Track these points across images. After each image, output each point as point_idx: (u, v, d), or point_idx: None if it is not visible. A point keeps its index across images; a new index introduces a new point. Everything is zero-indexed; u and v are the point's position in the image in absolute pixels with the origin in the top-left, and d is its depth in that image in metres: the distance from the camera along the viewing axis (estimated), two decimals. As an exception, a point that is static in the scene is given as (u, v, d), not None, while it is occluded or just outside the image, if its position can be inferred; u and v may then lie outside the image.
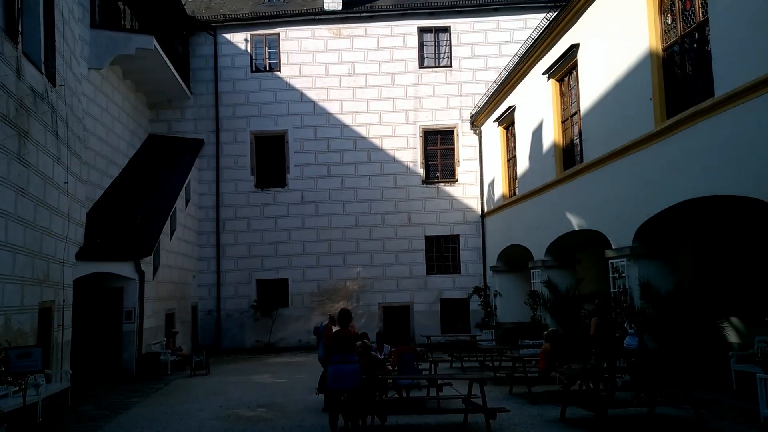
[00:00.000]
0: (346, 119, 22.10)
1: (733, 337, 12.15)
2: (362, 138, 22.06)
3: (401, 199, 21.86)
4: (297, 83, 22.26)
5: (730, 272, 12.22)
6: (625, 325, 10.03)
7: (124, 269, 14.46)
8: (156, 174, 18.96)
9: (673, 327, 11.20)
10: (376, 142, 22.05)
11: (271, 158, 22.16)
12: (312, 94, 22.20)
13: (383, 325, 20.85)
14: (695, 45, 10.46)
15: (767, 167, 8.43)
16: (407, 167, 22.02)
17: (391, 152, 22.03)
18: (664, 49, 11.18)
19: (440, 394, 9.54)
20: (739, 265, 11.98)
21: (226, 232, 21.68)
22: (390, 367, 9.76)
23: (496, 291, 20.34)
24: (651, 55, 11.28)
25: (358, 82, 22.24)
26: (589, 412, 8.23)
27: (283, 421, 8.89)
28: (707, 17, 9.79)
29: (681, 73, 10.92)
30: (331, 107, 22.14)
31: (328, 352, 8.01)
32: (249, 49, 22.38)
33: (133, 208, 16.61)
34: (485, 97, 20.54)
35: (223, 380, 13.51)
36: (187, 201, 20.07)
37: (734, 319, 12.10)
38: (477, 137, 22.24)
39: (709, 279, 11.91)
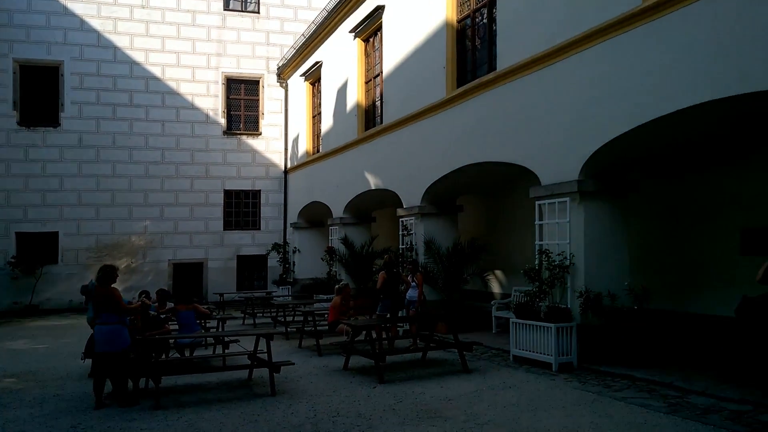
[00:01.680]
0: (138, 56, 19.90)
1: (496, 288, 13.71)
2: (156, 79, 20.09)
3: (199, 149, 20.55)
4: (77, 8, 19.34)
5: (499, 230, 13.67)
6: (409, 278, 10.66)
7: None
8: None
9: (451, 279, 12.28)
10: (173, 85, 20.29)
11: (40, 92, 19.06)
12: (96, 24, 19.51)
13: (173, 283, 19.64)
14: (484, 20, 11.21)
15: (535, 139, 9.44)
16: (207, 116, 20.70)
17: (189, 98, 20.47)
18: (458, 21, 11.82)
19: (226, 351, 9.22)
20: (507, 224, 13.43)
21: (-21, 175, 18.32)
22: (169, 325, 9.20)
23: (295, 247, 20.37)
24: (447, 25, 11.85)
25: (152, 16, 20.09)
26: (370, 360, 8.60)
27: (37, 391, 7.81)
28: (495, -6, 10.51)
29: (471, 45, 11.67)
30: (120, 41, 19.73)
31: (95, 312, 7.23)
32: (16, -40, 18.80)
33: None
34: (293, 49, 20.02)
35: (-35, 348, 11.51)
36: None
37: (498, 272, 13.64)
38: (283, 90, 21.71)
39: (482, 237, 13.18)
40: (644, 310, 8.21)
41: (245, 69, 21.22)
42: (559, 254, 8.73)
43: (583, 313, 8.37)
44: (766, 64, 6.11)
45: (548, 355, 8.40)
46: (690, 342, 8.97)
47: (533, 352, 8.70)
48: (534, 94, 9.47)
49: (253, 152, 21.30)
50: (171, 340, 8.76)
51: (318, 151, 19.05)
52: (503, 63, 10.19)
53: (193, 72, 20.53)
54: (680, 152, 9.19)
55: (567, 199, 8.73)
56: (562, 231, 8.82)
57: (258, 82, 21.53)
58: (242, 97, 21.46)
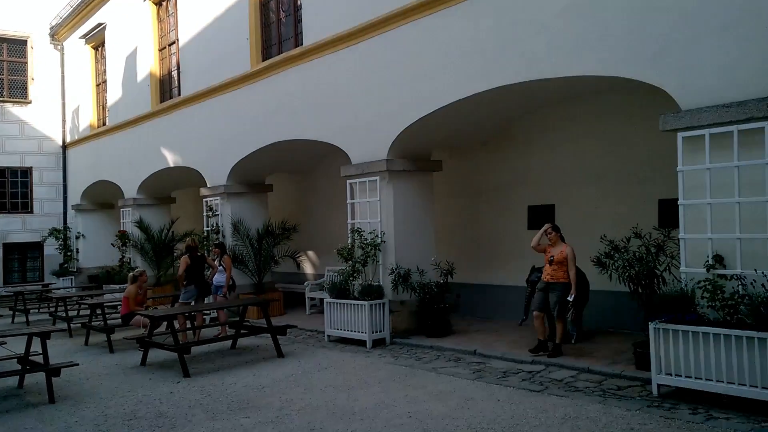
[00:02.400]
0: None
1: (309, 269, 13.58)
2: None
3: (-53, 117, 16.97)
4: None
5: (311, 210, 13.51)
6: (215, 262, 9.94)
7: None
8: None
9: (261, 262, 11.82)
10: None
11: None
12: None
13: None
14: (290, -6, 10.81)
15: (344, 117, 9.35)
16: (-43, 77, 17.13)
17: (-70, 54, 16.73)
18: (261, -8, 11.26)
19: (-12, 357, 7.68)
20: (319, 203, 13.32)
21: None
22: None
23: (78, 233, 18.00)
24: (249, -5, 11.21)
25: None
26: (173, 354, 7.84)
27: None
28: (301, -33, 10.16)
29: (276, 18, 11.18)
30: None
31: None
32: None
33: None
34: (69, 7, 17.44)
35: None
36: None
37: (311, 253, 13.52)
38: (59, 53, 18.91)
39: (293, 216, 12.90)
40: (449, 283, 8.68)
41: (8, 26, 17.98)
42: (371, 232, 8.80)
43: (394, 289, 8.57)
44: (548, 54, 6.70)
45: (362, 332, 8.46)
46: (489, 311, 9.75)
47: (348, 330, 8.70)
48: (342, 71, 9.38)
49: (21, 123, 18.24)
50: None
51: (104, 123, 17.00)
52: (309, 39, 9.95)
53: (-64, 22, 16.80)
54: (477, 134, 9.85)
55: (377, 177, 8.82)
56: (373, 209, 8.91)
57: (25, 42, 18.43)
58: (5, 58, 18.20)
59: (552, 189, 9.19)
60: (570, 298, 6.98)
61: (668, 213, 6.97)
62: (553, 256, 7.19)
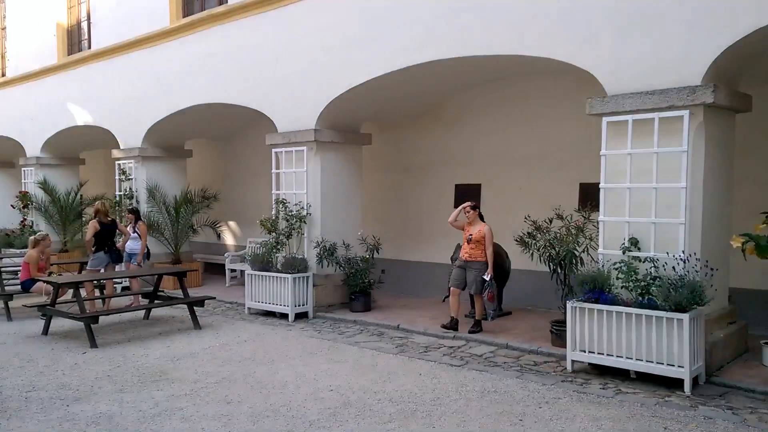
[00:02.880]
0: None
1: (230, 240, 13.15)
2: None
3: None
4: None
5: (233, 178, 13.03)
6: (128, 228, 9.37)
7: None
8: None
9: (179, 230, 11.29)
10: None
11: None
12: None
13: None
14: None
15: (271, 83, 8.98)
16: None
17: None
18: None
19: None
20: (241, 172, 12.85)
21: None
22: None
23: (-28, 192, 16.50)
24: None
25: None
26: (79, 323, 7.33)
27: None
28: None
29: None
30: None
31: None
32: None
33: None
34: (-36, -60, 15.68)
35: None
36: None
37: (232, 223, 13.07)
38: (-50, -8, 16.97)
39: (214, 184, 12.38)
40: (375, 259, 8.62)
41: None
42: (296, 204, 8.57)
43: (319, 263, 8.43)
44: (483, 31, 6.67)
45: (285, 306, 8.27)
46: (414, 287, 9.78)
47: (270, 303, 8.49)
48: (269, 34, 9.00)
49: None
50: None
51: (3, 74, 15.65)
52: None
53: None
54: (408, 109, 9.76)
55: (304, 148, 8.58)
56: (299, 180, 8.67)
57: None
58: None
59: (479, 168, 9.29)
60: (486, 277, 7.08)
61: (588, 196, 7.20)
62: (471, 235, 7.25)
